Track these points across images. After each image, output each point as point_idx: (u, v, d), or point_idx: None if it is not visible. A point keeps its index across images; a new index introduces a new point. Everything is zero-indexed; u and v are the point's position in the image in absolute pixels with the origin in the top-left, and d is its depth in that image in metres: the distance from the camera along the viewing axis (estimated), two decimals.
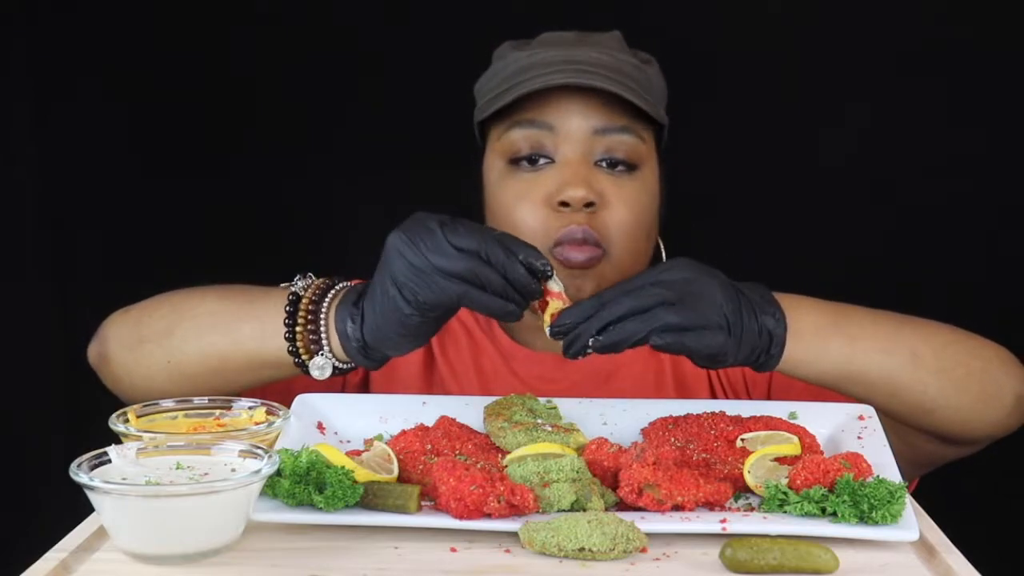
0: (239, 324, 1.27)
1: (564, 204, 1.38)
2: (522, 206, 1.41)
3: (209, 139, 2.25)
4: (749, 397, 1.48)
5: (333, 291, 1.24)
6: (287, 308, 1.24)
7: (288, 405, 1.22)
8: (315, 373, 1.23)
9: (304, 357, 1.23)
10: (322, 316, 1.22)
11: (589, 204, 1.38)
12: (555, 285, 1.17)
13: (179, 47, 2.24)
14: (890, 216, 2.24)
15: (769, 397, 1.48)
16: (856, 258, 2.23)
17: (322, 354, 1.22)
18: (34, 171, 2.29)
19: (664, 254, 1.51)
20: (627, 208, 1.41)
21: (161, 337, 1.30)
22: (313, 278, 1.26)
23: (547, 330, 1.17)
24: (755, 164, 2.23)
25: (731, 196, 2.22)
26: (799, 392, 1.40)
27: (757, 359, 1.22)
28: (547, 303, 1.17)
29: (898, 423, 1.32)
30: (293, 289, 1.25)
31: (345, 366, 1.24)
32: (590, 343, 1.15)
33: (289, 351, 1.23)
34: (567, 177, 1.39)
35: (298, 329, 1.23)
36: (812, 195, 2.22)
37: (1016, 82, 2.16)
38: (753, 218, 2.22)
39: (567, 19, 1.52)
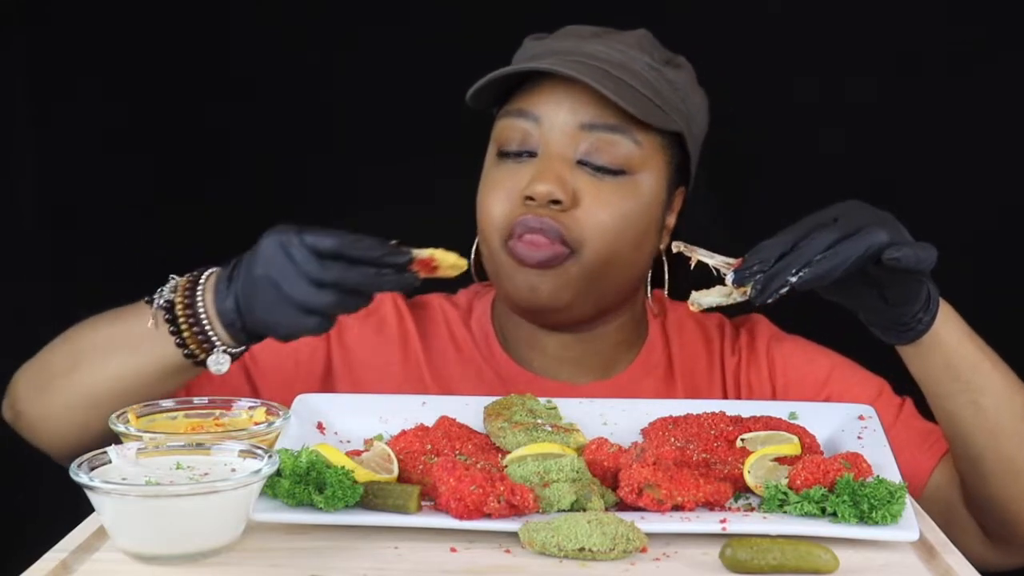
0: (138, 343, 1.23)
1: (530, 199, 1.32)
2: (492, 195, 1.36)
3: (209, 139, 2.25)
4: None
5: (200, 285, 1.20)
6: (166, 318, 1.20)
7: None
8: (214, 369, 1.20)
9: (202, 356, 1.20)
10: (201, 313, 1.19)
11: (556, 202, 1.32)
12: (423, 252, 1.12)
13: (179, 47, 2.24)
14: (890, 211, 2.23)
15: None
16: None
17: (216, 351, 1.19)
18: (34, 171, 2.29)
19: (667, 274, 1.43)
20: (606, 210, 1.33)
21: (69, 372, 1.27)
22: (176, 279, 1.22)
23: (729, 277, 1.08)
24: (754, 158, 2.22)
25: (731, 191, 2.21)
26: None
27: (915, 315, 1.16)
28: (429, 262, 1.11)
29: (972, 491, 1.28)
30: (160, 302, 1.21)
31: (239, 350, 1.21)
32: (793, 280, 1.06)
33: (186, 356, 1.21)
34: (539, 171, 1.33)
35: (184, 333, 1.19)
36: (811, 187, 2.21)
37: (1017, 79, 2.16)
38: (752, 214, 2.21)
39: (565, 19, 1.52)
